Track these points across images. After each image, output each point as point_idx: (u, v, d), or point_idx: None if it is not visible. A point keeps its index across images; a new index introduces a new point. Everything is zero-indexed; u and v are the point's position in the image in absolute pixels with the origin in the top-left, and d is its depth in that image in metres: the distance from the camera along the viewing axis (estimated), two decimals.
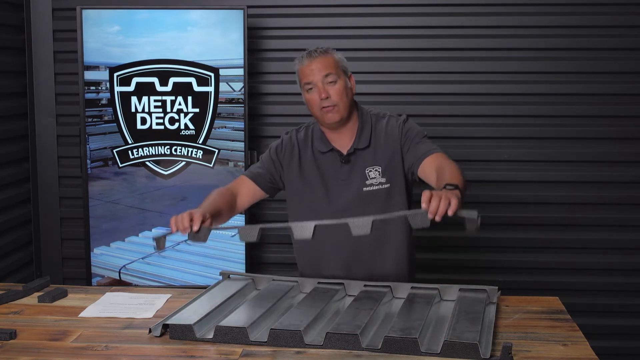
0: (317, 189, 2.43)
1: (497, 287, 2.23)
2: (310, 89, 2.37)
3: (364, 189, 2.39)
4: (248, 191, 2.49)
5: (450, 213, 1.88)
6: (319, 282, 2.32)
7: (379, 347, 1.81)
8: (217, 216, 2.31)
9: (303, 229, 2.05)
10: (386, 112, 2.50)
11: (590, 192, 3.70)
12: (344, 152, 2.42)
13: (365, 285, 2.28)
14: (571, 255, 3.72)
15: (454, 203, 1.89)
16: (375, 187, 2.39)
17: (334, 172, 2.42)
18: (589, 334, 1.99)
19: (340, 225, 2.30)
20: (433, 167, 2.28)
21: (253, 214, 3.75)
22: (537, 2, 3.63)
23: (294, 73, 3.85)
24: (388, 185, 2.40)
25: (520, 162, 3.70)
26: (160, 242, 2.18)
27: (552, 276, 3.72)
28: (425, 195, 1.90)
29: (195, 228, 2.17)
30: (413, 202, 2.45)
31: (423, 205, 1.89)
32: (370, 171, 2.40)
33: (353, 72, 3.79)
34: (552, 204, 3.70)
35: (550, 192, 3.70)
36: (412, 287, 2.27)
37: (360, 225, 1.97)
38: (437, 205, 1.88)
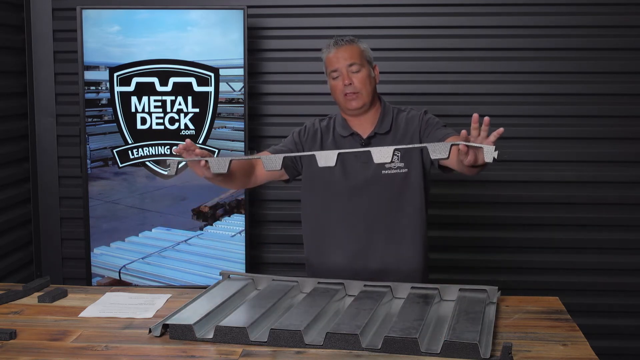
0: (335, 171, 2.47)
1: (497, 287, 2.23)
2: (336, 76, 2.46)
3: (383, 171, 2.46)
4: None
5: (488, 143, 2.03)
6: (319, 282, 2.32)
7: (379, 347, 1.81)
8: (230, 174, 2.31)
9: (327, 157, 2.06)
10: (407, 107, 2.59)
11: (590, 192, 3.70)
12: (364, 136, 2.49)
13: (365, 285, 2.29)
14: (571, 255, 3.72)
15: (490, 137, 2.05)
16: (393, 171, 2.46)
17: (354, 155, 2.46)
18: (589, 334, 1.99)
19: (357, 201, 2.44)
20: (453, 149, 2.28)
21: (253, 214, 3.75)
22: (537, 2, 3.63)
23: (294, 73, 3.88)
24: (406, 170, 2.47)
25: (520, 162, 3.70)
26: (173, 166, 2.18)
27: (552, 276, 3.72)
28: (463, 132, 2.02)
29: (203, 162, 2.21)
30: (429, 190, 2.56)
31: (461, 136, 2.01)
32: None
33: None
34: (552, 203, 3.70)
35: (550, 192, 3.70)
36: (412, 287, 2.27)
37: (382, 153, 2.00)
38: (476, 135, 2.04)
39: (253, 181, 2.53)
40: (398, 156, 2.47)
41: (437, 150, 1.97)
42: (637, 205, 3.68)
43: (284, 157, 2.14)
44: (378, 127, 2.49)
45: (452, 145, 2.00)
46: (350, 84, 2.44)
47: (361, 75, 2.45)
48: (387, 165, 2.45)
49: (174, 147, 2.26)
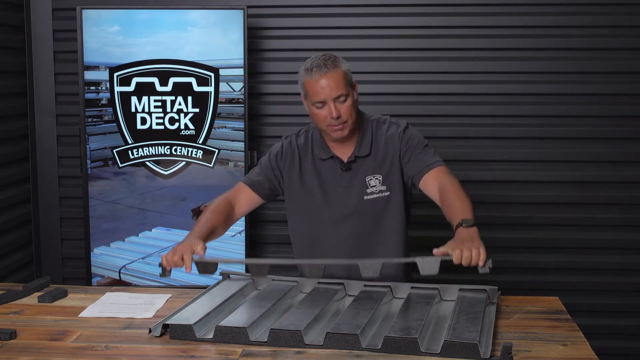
0: (316, 196, 2.42)
1: (497, 287, 2.24)
2: (321, 107, 2.30)
3: (365, 197, 2.38)
4: (246, 199, 2.47)
5: (481, 264, 1.87)
6: (319, 282, 2.32)
7: (379, 347, 1.81)
8: (212, 234, 2.32)
9: (372, 268, 1.98)
10: (386, 116, 2.47)
11: (590, 192, 3.70)
12: (345, 159, 2.40)
13: (365, 285, 2.29)
14: (571, 255, 3.72)
15: (483, 254, 1.88)
16: (375, 195, 2.38)
17: (334, 179, 2.41)
18: (589, 334, 1.99)
19: (341, 229, 2.38)
20: (435, 184, 2.29)
21: (253, 214, 3.75)
22: (537, 2, 3.63)
23: (293, 73, 3.86)
24: (388, 193, 2.39)
25: (520, 162, 3.70)
26: (165, 272, 2.15)
27: (552, 276, 3.72)
28: (456, 254, 1.88)
29: (188, 271, 2.14)
30: (411, 208, 2.50)
31: (455, 261, 1.85)
32: (370, 179, 2.38)
33: (353, 72, 3.81)
34: (552, 203, 3.70)
35: (550, 192, 3.70)
36: (412, 287, 2.27)
37: (370, 267, 1.92)
38: (469, 257, 1.87)
39: (235, 220, 2.47)
40: (379, 179, 2.38)
41: (427, 267, 1.86)
42: (637, 205, 3.68)
43: (269, 265, 2.10)
44: (357, 150, 2.38)
45: (442, 259, 1.88)
46: (339, 116, 2.28)
47: (347, 104, 2.29)
48: (369, 191, 2.38)
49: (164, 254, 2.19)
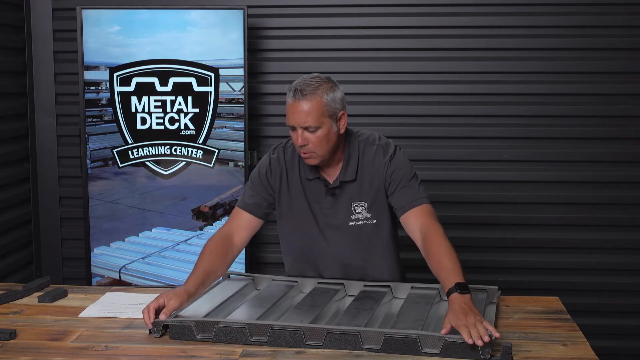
0: (306, 215, 2.36)
1: (497, 287, 2.24)
2: (292, 129, 2.25)
3: (349, 223, 2.32)
4: (247, 226, 2.38)
5: (486, 339, 1.77)
6: (319, 282, 2.32)
7: (379, 347, 1.81)
8: (208, 278, 2.24)
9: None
10: (376, 136, 2.38)
11: (590, 192, 3.70)
12: (330, 181, 2.33)
13: (365, 285, 2.29)
14: (571, 255, 3.72)
15: (487, 329, 1.80)
16: (361, 222, 2.32)
17: (320, 200, 2.34)
18: (589, 334, 1.99)
19: (331, 246, 2.32)
20: (417, 226, 2.22)
21: None
22: (537, 2, 3.63)
23: (293, 73, 3.85)
24: (374, 221, 2.33)
25: (520, 162, 3.70)
26: (158, 329, 1.99)
27: (552, 276, 3.72)
28: (465, 334, 1.78)
29: (150, 326, 1.98)
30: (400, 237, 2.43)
31: (467, 341, 1.77)
32: (356, 206, 2.32)
33: (353, 72, 3.81)
34: (552, 204, 3.70)
35: (550, 192, 3.70)
36: (412, 287, 2.27)
37: (373, 337, 1.84)
38: (477, 336, 1.77)
39: (237, 252, 2.38)
40: (365, 207, 2.32)
41: (429, 345, 1.80)
42: (637, 205, 3.68)
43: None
44: (343, 175, 2.31)
45: (445, 340, 1.80)
46: (305, 144, 2.22)
47: (318, 135, 2.20)
48: (353, 217, 2.32)
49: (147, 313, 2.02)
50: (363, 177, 2.32)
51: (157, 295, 2.07)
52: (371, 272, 2.36)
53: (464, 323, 1.80)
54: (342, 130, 2.28)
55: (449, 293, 1.96)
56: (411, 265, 2.62)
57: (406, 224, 2.26)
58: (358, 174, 2.31)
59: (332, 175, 2.34)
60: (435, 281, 2.32)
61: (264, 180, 2.38)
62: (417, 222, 2.22)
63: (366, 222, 2.32)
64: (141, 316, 2.09)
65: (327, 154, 2.26)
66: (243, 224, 2.37)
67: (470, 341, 1.76)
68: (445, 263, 2.06)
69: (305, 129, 2.20)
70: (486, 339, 1.75)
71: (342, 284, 2.30)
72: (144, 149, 3.55)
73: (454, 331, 1.83)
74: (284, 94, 3.70)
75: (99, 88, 3.53)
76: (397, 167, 2.30)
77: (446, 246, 2.11)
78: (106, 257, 3.59)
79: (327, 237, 2.35)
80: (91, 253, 3.58)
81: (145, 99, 3.52)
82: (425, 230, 2.18)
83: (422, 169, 3.68)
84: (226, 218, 3.53)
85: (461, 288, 1.95)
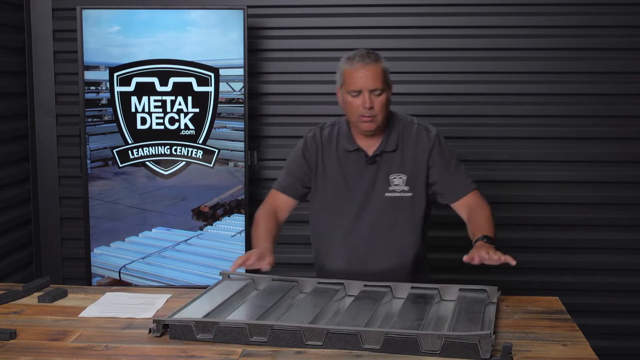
0: (339, 189, 2.46)
1: (497, 287, 2.23)
2: (356, 95, 2.37)
3: (386, 194, 2.43)
4: (285, 206, 2.55)
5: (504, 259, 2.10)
6: (319, 282, 2.32)
7: (379, 347, 1.81)
8: (274, 239, 2.45)
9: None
10: (413, 118, 2.52)
11: (590, 192, 3.70)
12: (370, 152, 2.45)
13: (365, 285, 2.29)
14: (571, 255, 3.72)
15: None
16: (397, 194, 2.43)
17: (358, 172, 2.45)
18: (589, 334, 1.99)
19: (360, 221, 2.44)
20: (468, 207, 2.45)
21: (253, 214, 3.74)
22: (537, 2, 3.63)
23: (294, 73, 3.88)
24: (411, 194, 2.44)
25: (520, 162, 3.70)
26: (158, 328, 1.98)
27: (552, 276, 3.72)
28: (483, 253, 2.13)
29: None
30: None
31: (485, 257, 2.11)
32: (394, 178, 2.43)
33: None
34: (552, 203, 3.70)
35: (550, 192, 3.70)
36: (412, 287, 2.27)
37: (373, 337, 1.84)
38: (496, 258, 2.12)
39: (281, 226, 2.57)
40: (403, 179, 2.43)
41: (429, 344, 1.79)
42: (637, 205, 3.68)
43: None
44: (384, 144, 2.44)
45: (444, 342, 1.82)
46: (371, 107, 2.36)
47: (381, 99, 2.37)
48: (391, 188, 2.43)
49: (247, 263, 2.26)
50: (404, 150, 2.44)
51: (239, 257, 2.25)
52: (397, 248, 2.45)
53: (486, 250, 2.11)
54: (390, 98, 2.44)
55: (475, 242, 2.22)
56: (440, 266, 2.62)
57: (458, 207, 2.47)
58: (399, 146, 2.44)
59: (372, 147, 2.45)
60: (436, 281, 2.33)
61: (300, 159, 2.51)
62: (468, 204, 2.45)
63: (402, 194, 2.43)
64: (141, 316, 2.10)
65: (383, 121, 2.41)
66: (282, 204, 2.54)
67: (494, 257, 2.06)
68: (482, 225, 2.33)
69: (373, 91, 2.35)
70: (504, 258, 2.04)
71: (342, 284, 2.30)
72: (144, 149, 3.55)
73: (454, 329, 1.83)
74: (284, 94, 3.77)
75: (99, 88, 3.53)
76: (442, 149, 2.45)
77: (487, 216, 2.40)
78: (106, 257, 3.59)
79: (361, 210, 2.44)
80: (91, 253, 3.58)
81: (145, 99, 3.52)
82: (473, 207, 2.43)
83: None
84: (226, 218, 3.55)
85: (487, 239, 2.22)
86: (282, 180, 2.55)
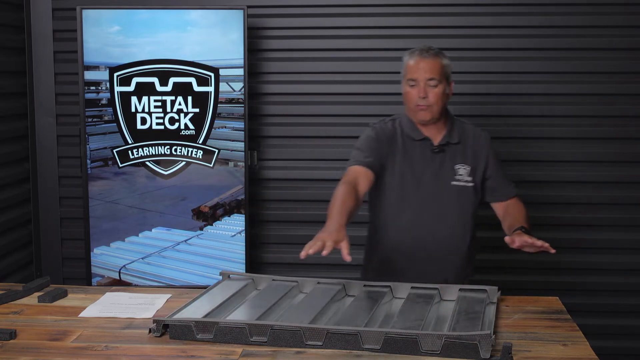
0: (407, 175, 2.54)
1: (497, 287, 2.24)
2: (413, 85, 2.52)
3: (452, 182, 2.56)
4: (366, 180, 2.50)
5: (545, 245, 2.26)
6: (318, 282, 2.32)
7: (379, 347, 1.81)
8: (349, 215, 2.36)
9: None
10: (464, 120, 2.69)
11: (590, 192, 3.70)
12: (435, 142, 2.57)
13: (365, 285, 2.29)
14: (571, 255, 3.72)
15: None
16: (462, 184, 2.56)
17: (424, 161, 2.56)
18: (589, 334, 1.99)
19: (422, 209, 2.55)
20: (507, 207, 2.64)
21: (253, 214, 3.75)
22: (537, 2, 3.63)
23: (294, 73, 3.88)
24: (472, 185, 2.58)
25: (519, 162, 3.69)
26: (158, 328, 1.96)
27: (552, 276, 3.72)
28: (528, 238, 2.30)
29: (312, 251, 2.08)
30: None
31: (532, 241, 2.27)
32: (459, 168, 2.57)
33: (353, 72, 3.82)
34: (552, 203, 3.70)
35: (550, 192, 3.70)
36: (412, 287, 2.27)
37: (373, 337, 1.84)
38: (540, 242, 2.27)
39: (361, 201, 2.48)
40: (467, 170, 2.57)
41: (429, 344, 1.79)
42: (637, 205, 3.68)
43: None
44: (448, 137, 2.57)
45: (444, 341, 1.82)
46: (425, 97, 2.49)
47: (437, 90, 2.51)
48: (457, 177, 2.56)
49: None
50: (466, 144, 2.60)
51: (315, 236, 2.11)
52: (459, 234, 2.58)
53: (529, 236, 2.28)
54: (450, 94, 2.59)
55: (514, 232, 2.38)
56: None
57: (497, 207, 2.66)
58: (461, 140, 2.59)
59: (436, 137, 2.58)
60: (435, 281, 2.33)
61: (374, 142, 2.56)
62: (508, 206, 2.63)
63: (466, 184, 2.58)
64: (141, 316, 2.10)
65: (438, 112, 2.54)
66: (363, 178, 2.49)
67: (537, 243, 2.23)
68: (520, 219, 2.53)
69: (429, 80, 2.50)
70: (546, 246, 2.22)
71: (342, 284, 2.30)
72: (144, 149, 3.55)
73: (454, 329, 1.83)
74: (284, 94, 3.77)
75: (99, 88, 3.53)
76: (494, 151, 2.66)
77: (525, 213, 2.60)
78: (106, 257, 3.59)
79: (427, 197, 2.54)
80: (91, 253, 3.58)
81: (145, 99, 3.52)
82: (512, 204, 2.64)
83: None
84: (226, 218, 3.55)
85: (525, 230, 2.39)
86: (361, 157, 2.53)
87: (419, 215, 2.55)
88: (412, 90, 2.53)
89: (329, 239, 2.08)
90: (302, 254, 2.04)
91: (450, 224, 2.57)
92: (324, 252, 2.03)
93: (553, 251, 2.21)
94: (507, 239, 2.26)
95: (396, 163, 2.56)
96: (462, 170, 2.57)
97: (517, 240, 2.25)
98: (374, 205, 2.65)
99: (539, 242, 2.24)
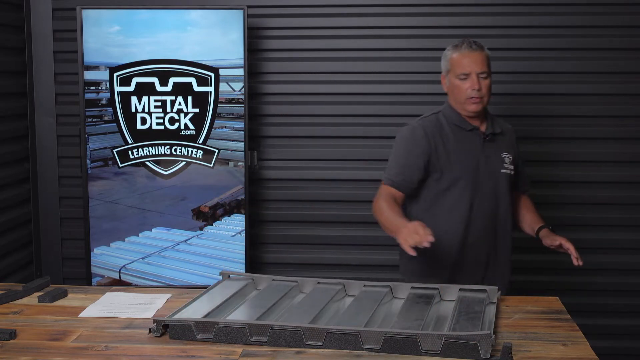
0: (462, 165, 2.61)
1: (497, 287, 2.24)
2: (464, 79, 2.59)
3: (502, 170, 2.66)
4: (398, 199, 2.60)
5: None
6: (318, 282, 2.32)
7: (379, 347, 1.81)
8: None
9: None
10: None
11: (590, 192, 3.70)
12: (484, 131, 2.66)
13: (365, 285, 2.29)
14: (571, 255, 3.71)
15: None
16: (507, 171, 2.68)
17: (475, 150, 2.63)
18: (589, 334, 1.99)
19: (473, 198, 2.62)
20: (523, 204, 2.86)
21: (253, 214, 3.75)
22: (537, 2, 3.63)
23: (294, 73, 3.87)
24: (513, 173, 2.70)
25: None
26: (158, 328, 1.97)
27: (552, 276, 3.72)
28: (572, 248, 2.63)
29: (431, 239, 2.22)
30: None
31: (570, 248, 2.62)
32: (505, 156, 2.69)
33: (353, 72, 3.83)
34: (552, 203, 3.70)
35: (550, 192, 3.70)
36: (412, 287, 2.27)
37: (372, 337, 1.85)
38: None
39: None
40: (510, 159, 2.68)
41: (429, 344, 1.80)
42: (637, 205, 3.68)
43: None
44: (492, 127, 2.67)
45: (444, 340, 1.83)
46: (480, 89, 2.58)
47: (487, 82, 2.61)
48: (505, 165, 2.67)
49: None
50: (505, 134, 2.73)
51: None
52: (509, 221, 2.69)
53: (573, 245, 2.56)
54: None
55: (540, 229, 2.70)
56: None
57: (516, 197, 2.81)
58: (502, 130, 2.71)
59: (482, 128, 2.67)
60: (436, 281, 2.32)
61: (416, 148, 2.61)
62: (523, 199, 2.86)
63: (510, 172, 2.69)
64: (141, 316, 2.10)
65: (487, 103, 2.64)
66: (395, 194, 2.60)
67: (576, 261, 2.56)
68: (539, 217, 2.79)
69: (480, 74, 2.58)
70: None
71: (342, 284, 2.30)
72: (144, 149, 3.55)
73: (454, 329, 1.83)
74: (284, 94, 3.77)
75: (99, 88, 3.53)
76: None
77: (533, 208, 2.85)
78: (106, 257, 3.59)
79: (482, 184, 2.61)
80: (91, 253, 3.58)
81: (145, 99, 3.52)
82: (526, 199, 2.88)
83: None
84: (226, 218, 3.56)
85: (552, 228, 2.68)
86: (394, 176, 2.62)
87: (475, 205, 2.61)
88: (463, 83, 2.60)
89: (418, 227, 2.24)
90: (413, 253, 2.23)
91: (503, 211, 2.67)
92: (430, 239, 2.19)
93: (579, 264, 2.56)
94: (547, 242, 2.64)
95: (450, 153, 2.61)
96: (507, 159, 2.68)
97: (565, 242, 2.61)
98: (427, 197, 2.66)
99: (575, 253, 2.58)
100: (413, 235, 2.22)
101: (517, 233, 3.69)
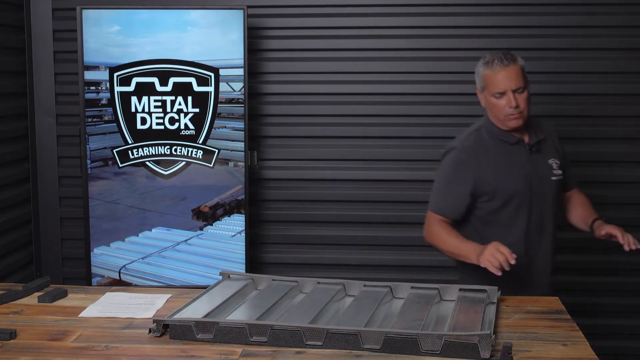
0: (514, 180, 2.54)
1: (497, 287, 2.24)
2: (500, 97, 2.50)
3: (552, 178, 2.61)
4: (449, 224, 2.59)
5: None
6: (318, 282, 2.32)
7: (379, 347, 1.81)
8: None
9: None
10: None
11: (590, 192, 3.69)
12: (529, 142, 2.58)
13: (365, 285, 2.29)
14: (571, 255, 3.72)
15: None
16: (557, 177, 2.62)
17: (523, 163, 2.56)
18: (589, 334, 1.99)
19: (528, 209, 2.57)
20: (574, 198, 2.79)
21: (253, 214, 3.75)
22: (537, 2, 3.63)
23: (294, 73, 3.87)
24: (562, 177, 2.64)
25: None
26: (158, 328, 1.97)
27: (552, 276, 3.71)
28: (621, 235, 2.58)
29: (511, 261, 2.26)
30: None
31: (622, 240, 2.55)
32: (552, 162, 2.62)
33: (353, 72, 3.83)
34: None
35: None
36: (412, 287, 2.27)
37: (372, 337, 1.84)
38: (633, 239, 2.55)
39: None
40: (558, 163, 2.62)
41: (429, 344, 1.80)
42: (637, 205, 3.68)
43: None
44: (536, 135, 2.60)
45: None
46: (517, 106, 2.49)
47: (524, 96, 2.52)
48: (554, 172, 2.61)
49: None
50: (547, 138, 2.65)
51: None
52: (555, 229, 2.66)
53: (622, 231, 2.52)
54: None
55: (594, 221, 2.63)
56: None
57: (563, 198, 2.75)
58: (545, 134, 2.64)
59: (525, 138, 2.60)
60: (436, 281, 2.32)
61: (461, 172, 2.54)
62: (573, 196, 2.79)
63: (559, 178, 2.63)
64: (141, 316, 2.10)
65: (528, 115, 2.56)
66: (445, 222, 2.58)
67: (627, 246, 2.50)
68: (592, 209, 2.74)
69: (516, 90, 2.49)
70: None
71: (342, 284, 2.30)
72: (144, 149, 3.55)
73: (454, 329, 1.83)
74: (284, 94, 3.77)
75: (99, 88, 3.53)
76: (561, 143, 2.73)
77: (588, 200, 2.79)
78: (106, 257, 3.59)
79: (535, 196, 2.56)
80: (91, 253, 3.58)
81: (145, 99, 3.52)
82: (577, 193, 2.81)
83: (422, 169, 3.70)
84: (226, 218, 3.56)
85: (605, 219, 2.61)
86: (439, 202, 2.59)
87: (531, 217, 2.56)
88: (499, 101, 2.51)
89: (499, 247, 2.27)
90: (499, 273, 2.25)
91: (554, 218, 2.64)
92: (514, 257, 2.25)
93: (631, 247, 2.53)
94: (603, 234, 2.57)
95: (498, 171, 2.53)
96: (554, 165, 2.61)
97: (620, 235, 2.56)
98: (481, 216, 2.60)
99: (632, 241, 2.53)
100: (497, 255, 2.24)
101: None
